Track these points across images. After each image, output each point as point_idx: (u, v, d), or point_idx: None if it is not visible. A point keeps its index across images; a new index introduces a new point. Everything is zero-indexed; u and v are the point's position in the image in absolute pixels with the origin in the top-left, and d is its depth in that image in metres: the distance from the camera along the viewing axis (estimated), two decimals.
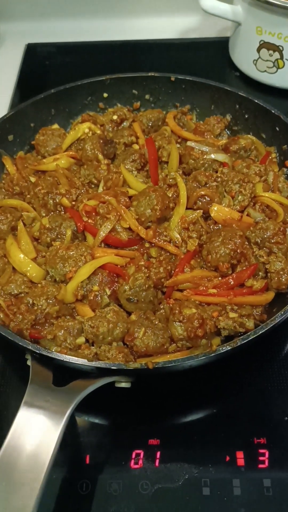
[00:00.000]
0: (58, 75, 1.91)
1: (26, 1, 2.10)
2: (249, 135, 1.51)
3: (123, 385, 1.01)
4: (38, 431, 0.86)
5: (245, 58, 1.80)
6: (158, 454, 1.03)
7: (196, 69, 1.86)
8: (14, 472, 0.81)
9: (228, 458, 1.03)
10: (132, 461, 1.03)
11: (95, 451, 1.05)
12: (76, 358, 0.98)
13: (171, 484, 0.99)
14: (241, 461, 1.02)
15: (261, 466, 1.01)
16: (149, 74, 1.58)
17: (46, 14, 2.13)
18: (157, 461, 1.03)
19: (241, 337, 1.00)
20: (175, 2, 2.10)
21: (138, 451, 1.04)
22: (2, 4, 2.07)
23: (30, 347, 0.98)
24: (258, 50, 1.72)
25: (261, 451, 1.03)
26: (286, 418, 1.08)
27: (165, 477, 1.00)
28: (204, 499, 0.97)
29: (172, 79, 1.57)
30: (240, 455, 1.03)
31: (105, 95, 1.60)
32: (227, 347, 0.98)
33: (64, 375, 0.97)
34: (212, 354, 0.97)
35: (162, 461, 1.03)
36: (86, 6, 2.12)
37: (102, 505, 0.97)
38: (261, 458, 1.02)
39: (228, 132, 1.56)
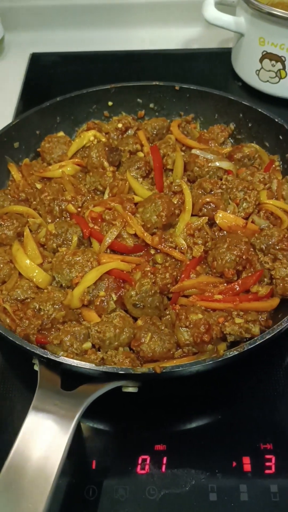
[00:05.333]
0: (62, 84, 1.93)
1: (30, 11, 2.14)
2: (252, 144, 1.52)
3: (130, 389, 1.01)
4: (47, 435, 0.86)
5: (247, 68, 1.83)
6: (165, 459, 1.03)
7: (198, 79, 1.88)
8: (23, 477, 0.81)
9: (234, 463, 1.03)
10: (139, 467, 1.02)
11: (101, 457, 1.04)
12: (84, 363, 0.98)
13: (178, 489, 0.99)
14: (247, 467, 1.02)
15: (267, 471, 1.01)
16: (154, 83, 1.60)
17: (51, 24, 2.17)
18: (164, 466, 1.02)
19: (248, 341, 1.01)
20: (178, 13, 2.13)
21: (144, 457, 1.04)
22: (7, 14, 2.10)
23: (38, 352, 0.99)
24: (261, 60, 1.74)
25: (268, 456, 1.03)
26: None
27: (172, 483, 1.00)
28: (211, 504, 0.97)
29: (177, 88, 1.59)
30: (246, 460, 1.03)
31: (110, 103, 1.62)
32: (234, 352, 0.99)
33: (71, 380, 0.98)
34: (220, 359, 0.98)
35: (168, 466, 1.03)
36: (90, 17, 2.15)
37: (108, 510, 0.97)
38: (267, 463, 1.02)
39: (231, 140, 1.58)
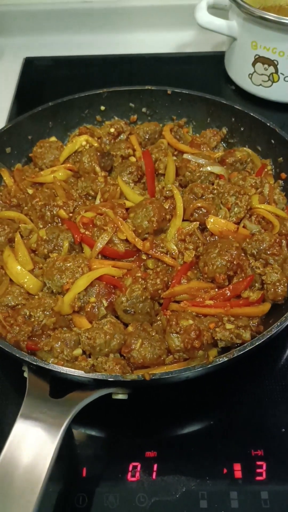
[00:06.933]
0: (56, 89, 1.93)
1: (24, 16, 2.13)
2: (245, 148, 1.52)
3: (120, 396, 1.00)
4: (34, 443, 0.86)
5: (240, 72, 1.83)
6: (155, 466, 1.03)
7: (192, 83, 1.86)
8: (10, 485, 0.81)
9: (225, 470, 1.02)
10: (129, 474, 1.02)
11: (92, 464, 1.04)
12: (73, 370, 0.98)
13: (168, 497, 0.99)
14: (238, 474, 1.02)
15: (258, 478, 1.01)
16: (146, 87, 1.60)
17: (44, 28, 2.16)
18: (154, 473, 1.02)
19: (238, 348, 1.00)
20: (172, 17, 2.13)
21: (135, 464, 1.03)
22: (0, 18, 2.10)
23: (27, 359, 0.98)
24: (253, 64, 1.74)
25: (259, 463, 1.03)
26: (283, 430, 1.08)
27: (162, 490, 1.00)
28: None
29: (169, 92, 1.59)
30: (237, 467, 1.02)
31: (102, 108, 1.62)
32: (224, 358, 0.98)
33: (61, 387, 0.97)
34: (209, 365, 0.97)
35: (159, 473, 1.02)
36: (83, 21, 2.15)
37: None
38: (258, 470, 1.02)
39: (224, 144, 1.58)
